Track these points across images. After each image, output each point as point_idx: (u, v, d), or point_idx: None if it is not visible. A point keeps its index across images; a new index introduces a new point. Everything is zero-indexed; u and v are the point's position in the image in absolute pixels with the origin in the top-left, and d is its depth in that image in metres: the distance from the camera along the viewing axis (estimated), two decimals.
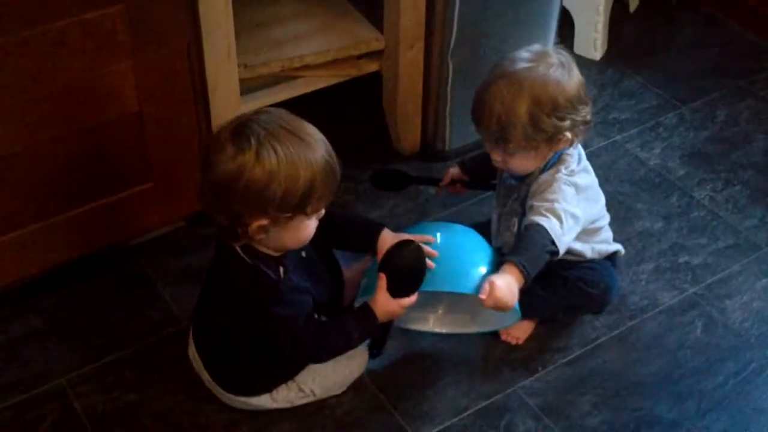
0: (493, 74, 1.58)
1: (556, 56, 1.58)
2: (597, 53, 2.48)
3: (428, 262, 1.49)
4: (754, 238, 1.98)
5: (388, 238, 1.53)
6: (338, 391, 1.63)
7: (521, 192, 1.65)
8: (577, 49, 2.49)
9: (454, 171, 1.86)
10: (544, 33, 2.11)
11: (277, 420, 1.60)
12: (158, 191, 1.78)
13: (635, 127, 2.27)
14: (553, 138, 1.56)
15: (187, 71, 1.69)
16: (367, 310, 1.49)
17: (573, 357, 1.73)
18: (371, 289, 1.51)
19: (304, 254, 1.52)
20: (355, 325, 1.50)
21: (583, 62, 2.46)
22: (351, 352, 1.60)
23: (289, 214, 1.37)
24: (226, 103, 1.80)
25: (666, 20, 2.66)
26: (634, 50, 2.52)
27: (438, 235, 1.58)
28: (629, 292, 1.85)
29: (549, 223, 1.53)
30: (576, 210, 1.57)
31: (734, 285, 1.88)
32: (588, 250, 1.70)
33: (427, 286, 1.50)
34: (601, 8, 2.41)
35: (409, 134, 2.14)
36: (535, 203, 1.57)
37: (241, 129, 1.35)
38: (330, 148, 1.41)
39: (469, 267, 1.55)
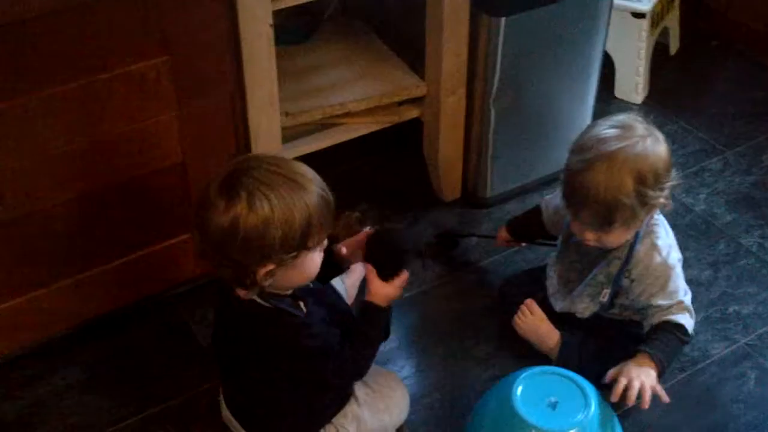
0: (586, 156, 1.53)
1: (641, 126, 1.56)
2: (638, 97, 2.45)
3: None
4: None
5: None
6: None
7: (612, 266, 1.62)
8: (619, 93, 2.47)
9: (503, 235, 1.88)
10: (587, 78, 2.09)
11: None
12: None
13: (679, 172, 2.21)
14: (652, 207, 1.55)
15: (230, 120, 1.69)
16: (369, 307, 1.49)
17: (625, 411, 1.68)
18: None
19: (311, 285, 1.50)
20: (369, 326, 1.50)
21: (624, 106, 2.45)
22: (391, 401, 1.58)
23: (294, 254, 1.35)
24: (269, 150, 1.79)
25: (707, 63, 2.63)
26: (675, 94, 2.50)
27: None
28: None
29: (687, 321, 1.59)
30: (688, 293, 1.63)
31: None
32: None
33: None
34: (643, 52, 2.39)
35: (449, 180, 2.12)
36: (664, 303, 1.59)
37: (228, 181, 1.33)
38: (322, 182, 1.38)
39: None
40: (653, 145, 1.53)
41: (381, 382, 1.60)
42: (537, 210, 1.83)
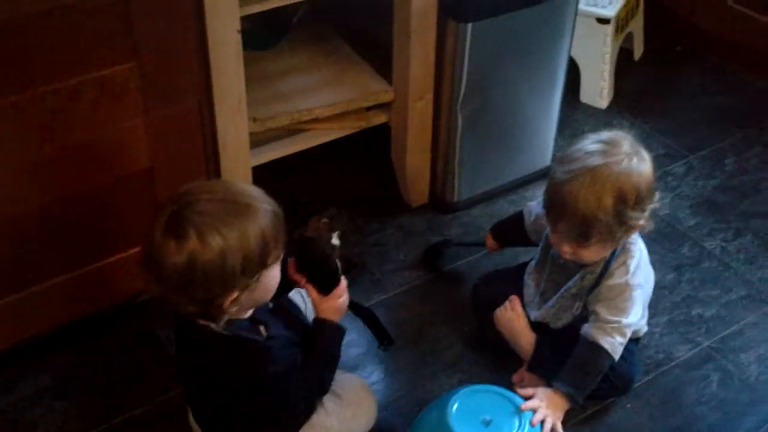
0: (569, 168, 1.53)
1: (627, 143, 1.55)
2: (603, 102, 2.48)
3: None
4: (766, 289, 1.97)
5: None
6: None
7: (585, 280, 1.63)
8: (584, 98, 2.50)
9: (491, 243, 1.90)
10: (552, 83, 2.11)
11: None
12: None
13: (660, 193, 2.25)
14: (631, 228, 1.55)
15: (198, 126, 1.69)
16: (320, 324, 1.50)
17: (588, 414, 1.70)
18: None
19: (271, 305, 1.49)
20: (325, 342, 1.50)
21: (589, 111, 2.48)
22: (358, 408, 1.59)
23: (256, 277, 1.34)
24: (236, 156, 1.79)
25: (671, 68, 2.67)
26: (640, 99, 2.53)
27: None
28: (643, 346, 1.82)
29: (613, 346, 1.60)
30: (636, 317, 1.64)
31: (749, 337, 1.86)
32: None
33: None
34: (608, 57, 2.42)
35: (417, 185, 2.13)
36: (603, 313, 1.60)
37: (172, 222, 1.30)
38: (266, 196, 1.37)
39: None
40: (638, 164, 1.53)
41: (348, 389, 1.61)
42: (519, 216, 1.82)
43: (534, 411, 1.57)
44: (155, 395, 1.70)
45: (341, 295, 1.51)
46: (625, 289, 1.61)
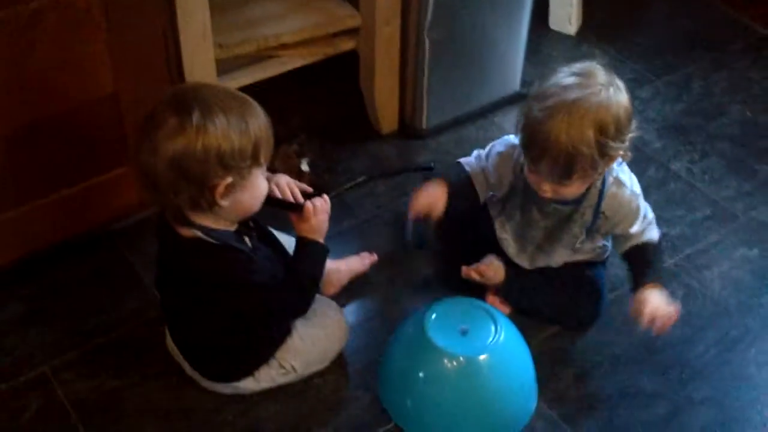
0: (546, 104, 1.48)
1: (602, 74, 1.51)
2: (572, 28, 2.48)
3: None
4: (731, 208, 2.01)
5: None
6: (320, 367, 1.63)
7: (584, 214, 1.63)
8: (552, 24, 2.50)
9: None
10: (520, 9, 2.11)
11: (261, 402, 1.60)
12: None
13: (637, 119, 2.26)
14: (612, 159, 1.54)
15: (162, 51, 1.68)
16: (300, 243, 1.52)
17: (554, 332, 1.74)
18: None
19: (251, 224, 1.51)
20: (307, 261, 1.53)
21: (558, 37, 2.48)
22: (329, 329, 1.62)
23: (248, 163, 1.37)
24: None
25: None
26: (608, 24, 2.53)
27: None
28: (609, 264, 1.84)
29: (657, 234, 1.66)
30: (649, 210, 1.68)
31: (712, 255, 1.90)
32: (600, 249, 1.73)
33: None
34: None
35: (386, 112, 2.13)
36: (636, 230, 1.64)
37: (178, 100, 1.34)
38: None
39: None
40: (615, 94, 1.49)
41: (319, 311, 1.63)
42: (459, 174, 1.69)
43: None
44: (130, 320, 1.72)
45: (317, 215, 1.51)
46: (636, 199, 1.63)
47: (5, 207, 1.65)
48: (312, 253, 1.54)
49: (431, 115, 2.14)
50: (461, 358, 1.52)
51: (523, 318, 1.70)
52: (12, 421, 1.56)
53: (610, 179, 1.61)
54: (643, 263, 1.65)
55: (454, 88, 2.14)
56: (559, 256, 1.71)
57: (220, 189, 1.36)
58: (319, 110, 2.19)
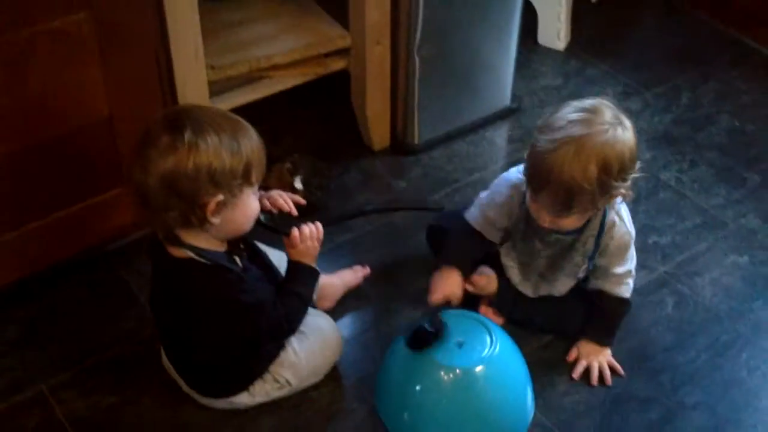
0: (553, 137, 1.50)
1: (609, 111, 1.52)
2: (561, 44, 2.51)
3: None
4: (720, 216, 2.03)
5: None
6: (315, 380, 1.65)
7: (586, 242, 1.65)
8: (541, 40, 2.53)
9: (455, 284, 1.70)
10: (509, 25, 2.14)
11: (258, 416, 1.62)
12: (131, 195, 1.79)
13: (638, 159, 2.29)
14: (613, 197, 1.56)
15: (155, 74, 1.71)
16: (292, 265, 1.55)
17: (548, 341, 1.76)
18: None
19: (242, 245, 1.53)
20: (297, 283, 1.55)
21: (547, 53, 2.51)
22: (323, 342, 1.64)
23: (240, 182, 1.39)
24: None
25: (627, 9, 2.70)
26: (597, 39, 2.57)
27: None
28: None
29: (629, 290, 1.70)
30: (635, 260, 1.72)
31: (703, 262, 1.92)
32: None
33: None
34: None
35: (378, 129, 2.16)
36: (619, 271, 1.68)
37: (171, 119, 1.38)
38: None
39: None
40: (622, 133, 1.50)
41: (314, 325, 1.65)
42: (466, 232, 1.73)
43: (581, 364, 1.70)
44: (127, 338, 1.74)
45: (304, 241, 1.54)
46: (629, 240, 1.65)
47: (2, 229, 1.67)
48: (301, 276, 1.56)
49: (423, 131, 2.17)
50: (458, 371, 1.54)
51: (515, 327, 1.72)
52: None
53: (612, 212, 1.64)
54: (606, 316, 1.72)
55: (445, 105, 2.17)
56: (563, 285, 1.73)
57: (211, 206, 1.39)
58: (311, 129, 2.22)
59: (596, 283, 1.70)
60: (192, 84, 1.79)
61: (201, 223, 1.40)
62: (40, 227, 1.71)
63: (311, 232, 1.55)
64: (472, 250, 1.74)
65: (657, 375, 1.70)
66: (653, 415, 1.63)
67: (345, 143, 2.18)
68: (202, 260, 1.44)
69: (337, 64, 2.08)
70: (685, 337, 1.77)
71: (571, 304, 1.74)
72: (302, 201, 1.64)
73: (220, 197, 1.39)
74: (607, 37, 2.59)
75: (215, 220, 1.41)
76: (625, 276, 1.69)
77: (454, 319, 1.61)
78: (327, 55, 2.06)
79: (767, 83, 2.41)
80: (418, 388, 1.56)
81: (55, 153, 1.66)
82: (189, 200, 1.38)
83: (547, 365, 1.71)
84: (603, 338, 1.71)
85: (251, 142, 1.41)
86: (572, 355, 1.72)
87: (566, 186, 1.49)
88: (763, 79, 2.42)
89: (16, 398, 1.64)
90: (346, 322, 1.79)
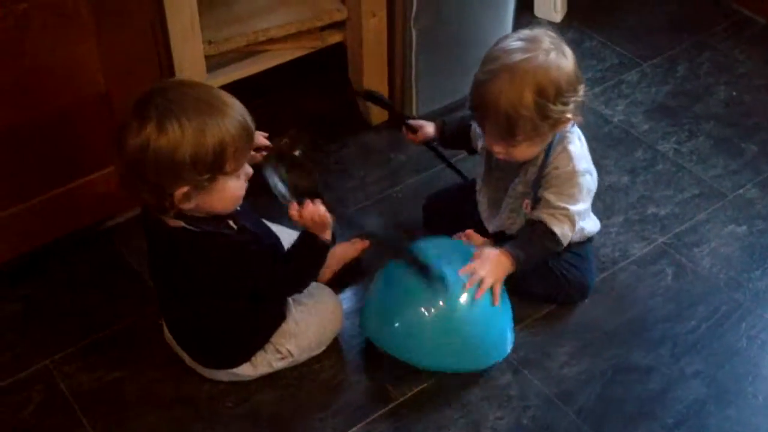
0: (490, 68, 1.54)
1: (548, 39, 1.55)
2: (558, 15, 2.50)
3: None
4: (718, 187, 2.03)
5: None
6: (316, 351, 1.66)
7: (528, 173, 1.65)
8: (538, 12, 2.52)
9: (429, 130, 1.84)
10: None
11: (261, 388, 1.62)
12: None
13: (598, 85, 2.30)
14: (557, 122, 1.56)
15: (152, 49, 1.70)
16: (303, 234, 1.53)
17: (548, 312, 1.77)
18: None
19: (239, 208, 1.51)
20: (304, 249, 1.52)
21: (543, 25, 2.50)
22: (323, 313, 1.65)
23: (207, 176, 1.37)
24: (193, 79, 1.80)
25: None
26: (593, 11, 2.56)
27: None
28: (600, 245, 1.88)
29: (562, 230, 1.62)
30: (586, 204, 1.66)
31: (701, 233, 1.93)
32: (577, 234, 1.72)
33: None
34: None
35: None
36: (552, 200, 1.62)
37: (141, 104, 1.35)
38: (244, 109, 1.40)
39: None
40: (557, 58, 1.53)
41: (315, 297, 1.66)
42: (467, 122, 1.80)
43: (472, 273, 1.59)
44: (129, 314, 1.74)
45: (303, 217, 1.49)
46: (573, 175, 1.62)
47: (1, 206, 1.67)
48: (307, 241, 1.55)
49: (420, 104, 2.16)
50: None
51: (515, 298, 1.72)
52: (15, 414, 1.59)
53: (560, 146, 1.63)
54: (527, 237, 1.64)
55: (442, 78, 2.16)
56: (510, 220, 1.71)
57: (177, 196, 1.38)
58: (309, 103, 2.21)
59: (533, 213, 1.66)
60: (189, 59, 1.78)
61: (171, 208, 1.40)
62: (40, 203, 1.71)
63: (310, 212, 1.50)
64: (462, 125, 1.79)
65: (657, 345, 1.71)
66: (654, 384, 1.64)
67: (343, 117, 2.18)
68: (195, 229, 1.44)
69: (334, 38, 2.07)
70: (684, 307, 1.78)
71: (569, 270, 1.74)
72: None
73: (185, 189, 1.37)
74: (603, 9, 2.57)
75: (187, 206, 1.40)
76: (559, 210, 1.62)
77: (446, 242, 1.69)
78: (323, 29, 2.05)
79: (764, 53, 2.40)
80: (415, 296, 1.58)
81: (52, 129, 1.65)
82: (155, 189, 1.37)
83: (547, 336, 1.72)
84: (510, 249, 1.61)
85: (223, 131, 1.35)
86: (469, 266, 1.60)
87: (505, 113, 1.51)
88: (761, 49, 2.42)
89: (21, 374, 1.64)
90: (347, 294, 1.79)
